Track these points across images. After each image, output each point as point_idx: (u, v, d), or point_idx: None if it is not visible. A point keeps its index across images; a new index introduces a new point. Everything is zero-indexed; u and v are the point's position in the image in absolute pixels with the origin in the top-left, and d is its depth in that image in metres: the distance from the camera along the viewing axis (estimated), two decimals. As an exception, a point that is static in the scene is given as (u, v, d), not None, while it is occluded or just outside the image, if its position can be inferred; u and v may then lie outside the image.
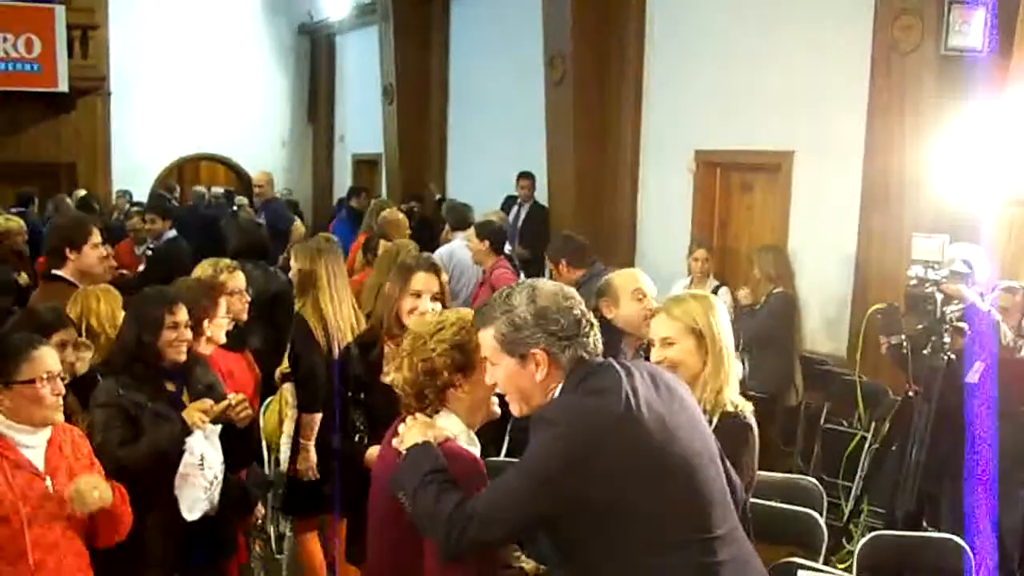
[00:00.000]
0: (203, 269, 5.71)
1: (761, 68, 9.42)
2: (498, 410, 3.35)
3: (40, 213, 13.72)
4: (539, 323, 2.92)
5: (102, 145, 18.62)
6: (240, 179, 20.39)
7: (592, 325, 2.99)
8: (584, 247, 7.51)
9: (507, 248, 10.78)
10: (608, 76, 11.38)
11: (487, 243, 8.23)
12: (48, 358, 3.73)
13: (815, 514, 4.82)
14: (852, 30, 8.31)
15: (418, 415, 3.18)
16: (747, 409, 3.74)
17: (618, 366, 2.93)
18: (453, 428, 3.22)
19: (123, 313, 4.95)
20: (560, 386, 2.94)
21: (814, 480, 5.41)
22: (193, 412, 4.30)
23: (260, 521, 5.39)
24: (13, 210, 12.20)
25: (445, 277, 5.12)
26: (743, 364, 7.87)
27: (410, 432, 3.10)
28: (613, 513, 2.78)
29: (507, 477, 2.85)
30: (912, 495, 5.43)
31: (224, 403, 4.42)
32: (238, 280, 5.65)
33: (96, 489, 3.62)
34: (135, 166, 19.05)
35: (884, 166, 7.92)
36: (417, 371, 3.22)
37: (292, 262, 6.37)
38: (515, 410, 3.10)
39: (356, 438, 4.56)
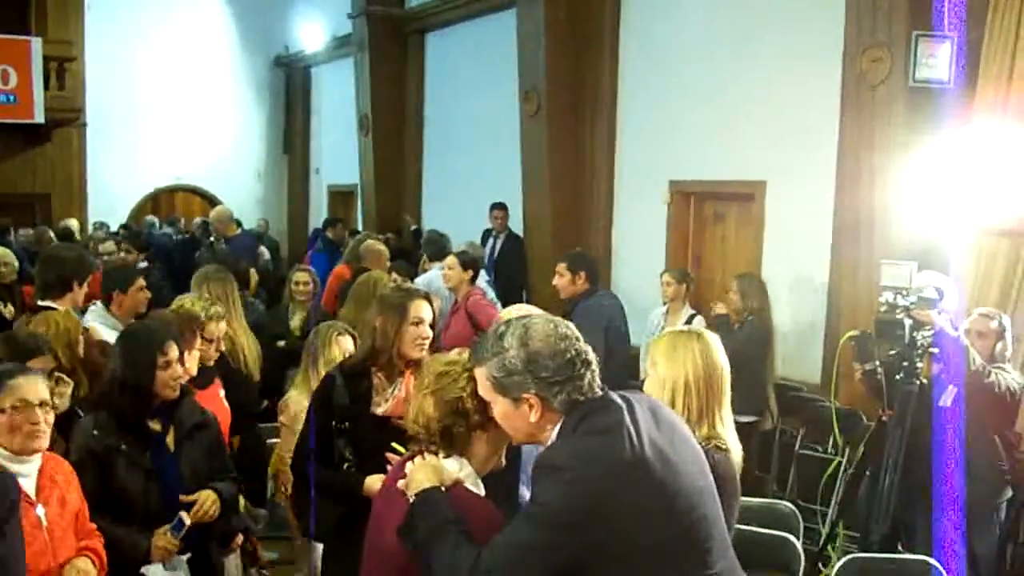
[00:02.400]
0: (191, 307, 5.72)
1: (734, 100, 9.55)
2: (504, 461, 3.28)
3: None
4: (529, 369, 2.86)
5: (78, 176, 18.66)
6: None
7: (588, 363, 2.90)
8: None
9: (483, 278, 10.88)
10: (583, 108, 11.52)
11: (471, 272, 8.33)
12: (25, 387, 3.73)
13: (792, 539, 4.89)
14: (822, 62, 8.44)
15: (427, 456, 3.11)
16: (725, 447, 3.71)
17: (619, 401, 2.89)
18: (460, 471, 3.14)
19: (79, 338, 5.04)
20: (558, 427, 2.90)
21: (791, 505, 5.49)
22: (159, 542, 4.24)
23: (253, 549, 5.40)
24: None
25: (437, 303, 5.20)
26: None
27: (418, 474, 3.03)
28: (621, 553, 2.74)
29: (518, 529, 2.79)
30: (886, 519, 5.50)
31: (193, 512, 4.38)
32: (221, 329, 5.66)
33: None
34: (111, 197, 19.12)
35: (855, 196, 8.02)
36: (447, 410, 3.13)
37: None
38: (515, 441, 3.12)
39: (344, 467, 4.56)
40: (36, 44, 17.45)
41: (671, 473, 2.81)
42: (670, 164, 10.44)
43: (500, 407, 2.96)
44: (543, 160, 11.68)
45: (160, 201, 20.77)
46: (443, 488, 2.99)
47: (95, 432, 4.31)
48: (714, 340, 3.86)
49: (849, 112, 8.13)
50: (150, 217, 17.80)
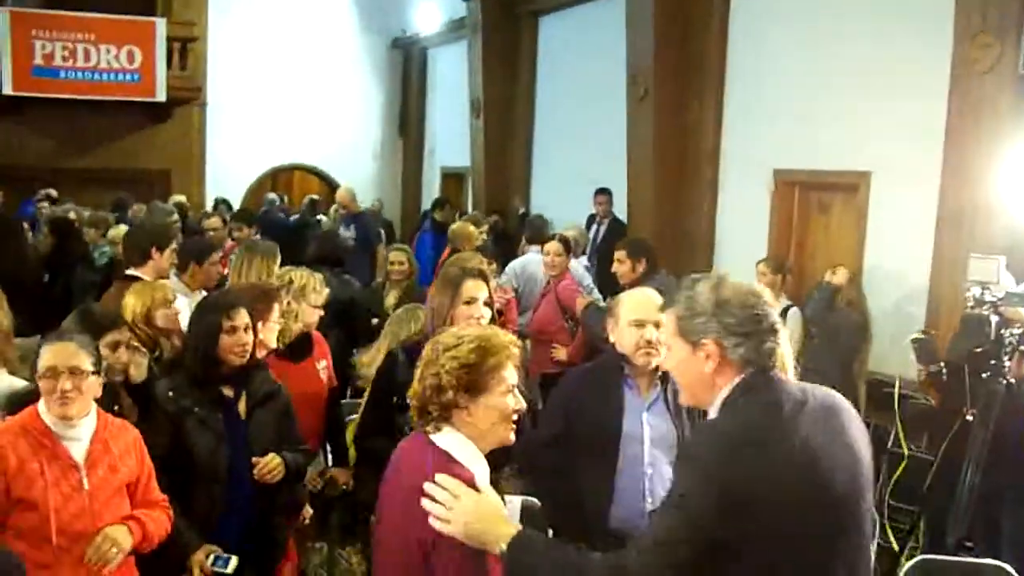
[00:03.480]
0: (282, 277, 5.85)
1: (840, 88, 9.38)
2: (512, 437, 3.23)
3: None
4: (716, 312, 2.80)
5: (197, 154, 19.14)
6: (331, 190, 20.70)
7: (775, 330, 2.82)
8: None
9: (584, 262, 10.86)
10: (689, 94, 11.39)
11: (571, 258, 8.35)
12: (56, 354, 3.81)
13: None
14: (930, 50, 8.23)
15: (459, 492, 2.93)
16: None
17: (792, 389, 2.79)
18: (456, 447, 3.12)
19: (160, 307, 5.20)
20: (726, 391, 2.81)
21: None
22: (196, 563, 4.30)
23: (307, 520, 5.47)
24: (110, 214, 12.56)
25: (494, 283, 5.19)
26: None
27: (487, 526, 2.90)
28: (764, 539, 2.63)
29: (661, 525, 2.72)
30: (965, 520, 5.34)
31: None
32: (324, 296, 5.81)
33: (114, 545, 3.76)
34: (229, 175, 19.51)
35: (959, 187, 7.82)
36: (425, 386, 3.14)
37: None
38: (683, 399, 3.07)
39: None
40: (160, 25, 18.00)
41: (817, 475, 2.68)
42: (775, 152, 10.28)
43: (676, 354, 2.92)
44: (648, 145, 11.57)
45: (278, 180, 21.11)
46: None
47: (170, 394, 4.49)
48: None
49: (956, 100, 7.91)
50: (270, 195, 18.10)
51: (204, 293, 6.86)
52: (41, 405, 3.83)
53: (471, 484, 3.00)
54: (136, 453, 4.03)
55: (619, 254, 8.04)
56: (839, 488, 2.72)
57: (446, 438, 3.13)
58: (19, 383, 4.57)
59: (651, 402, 4.51)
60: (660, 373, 4.45)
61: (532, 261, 9.22)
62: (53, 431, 3.78)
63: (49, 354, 3.80)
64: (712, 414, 2.86)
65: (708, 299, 2.82)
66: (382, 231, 14.72)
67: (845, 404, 2.93)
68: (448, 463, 3.05)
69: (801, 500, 2.65)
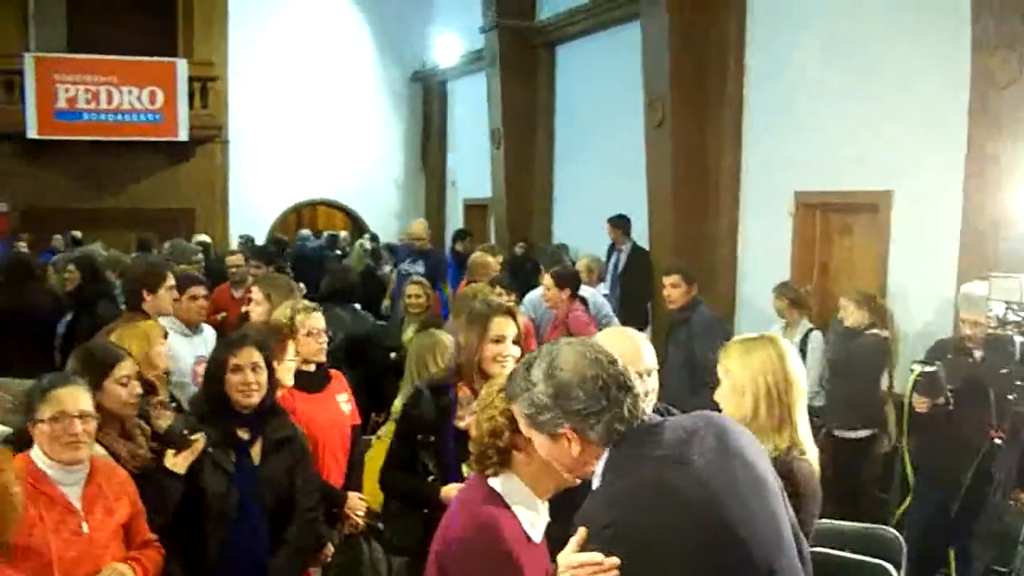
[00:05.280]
0: (282, 310, 5.79)
1: (859, 107, 9.27)
2: (575, 479, 3.09)
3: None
4: (558, 404, 2.67)
5: (220, 191, 19.28)
6: (355, 224, 20.76)
7: (627, 388, 2.69)
8: None
9: (603, 290, 10.78)
10: (707, 119, 11.30)
11: (567, 290, 8.22)
12: (65, 398, 3.79)
13: (889, 567, 4.63)
14: (949, 65, 8.11)
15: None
16: (805, 454, 3.61)
17: (674, 428, 2.69)
18: (514, 493, 3.11)
19: (159, 349, 5.16)
20: (603, 461, 2.69)
21: (893, 531, 5.22)
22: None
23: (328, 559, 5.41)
24: (135, 255, 12.61)
25: (523, 320, 5.10)
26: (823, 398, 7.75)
27: None
28: None
29: None
30: (993, 543, 5.21)
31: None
32: (315, 321, 5.65)
33: None
34: (253, 211, 19.65)
35: (982, 204, 7.67)
36: (482, 430, 3.13)
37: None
38: (566, 476, 2.96)
39: (429, 479, 4.55)
40: (182, 65, 18.26)
41: (726, 509, 2.58)
42: (795, 174, 10.17)
43: (539, 443, 2.81)
44: (667, 171, 11.48)
45: (302, 215, 21.21)
46: None
47: (184, 432, 4.44)
48: (788, 345, 3.75)
49: (976, 116, 7.78)
50: (303, 231, 18.10)
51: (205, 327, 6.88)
52: (35, 451, 3.78)
53: (516, 532, 2.99)
54: (128, 494, 3.99)
55: (673, 278, 8.03)
56: (745, 528, 2.61)
57: (502, 482, 3.11)
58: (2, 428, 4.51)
59: None
60: None
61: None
62: (49, 476, 3.73)
63: (59, 398, 3.77)
64: (595, 483, 2.72)
65: (545, 391, 2.69)
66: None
67: (732, 424, 2.84)
68: (498, 508, 3.04)
69: (703, 545, 2.55)
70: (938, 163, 8.34)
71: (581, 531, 2.58)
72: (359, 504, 5.51)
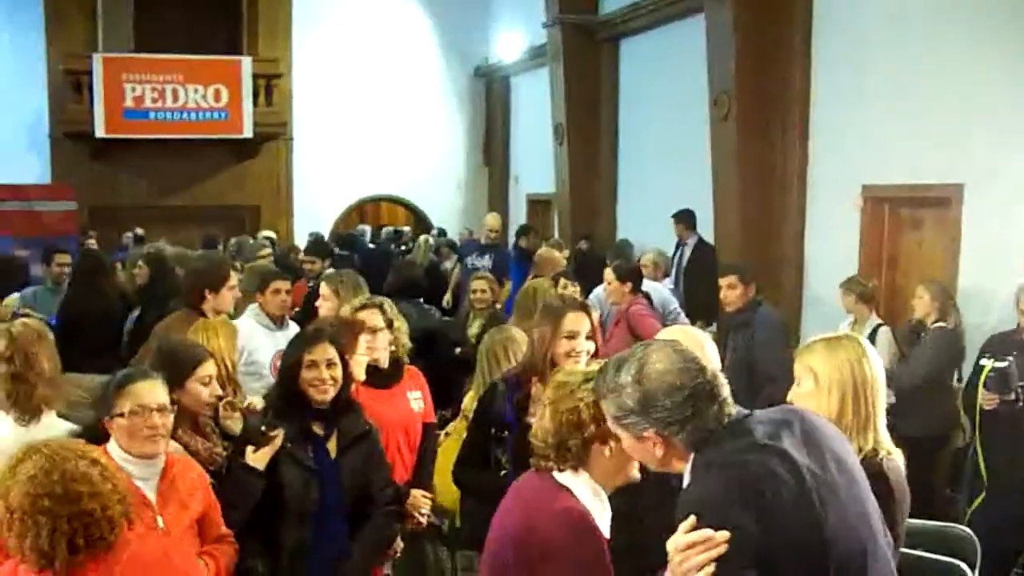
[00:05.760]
0: (348, 307, 5.84)
1: (930, 98, 9.13)
2: (638, 475, 3.18)
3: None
4: (645, 411, 2.73)
5: (284, 188, 19.47)
6: (419, 220, 20.83)
7: (713, 396, 2.74)
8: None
9: (669, 285, 10.72)
10: (774, 112, 11.19)
11: (629, 284, 8.19)
12: (143, 393, 3.84)
13: (963, 566, 4.56)
14: (1018, 52, 7.98)
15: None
16: (891, 456, 3.60)
17: (761, 428, 2.73)
18: (583, 488, 3.10)
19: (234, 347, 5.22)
20: (689, 463, 2.76)
21: (967, 530, 5.14)
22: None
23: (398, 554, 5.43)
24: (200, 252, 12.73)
25: (596, 315, 5.09)
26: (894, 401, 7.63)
27: None
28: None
29: None
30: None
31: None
32: (375, 318, 5.69)
33: None
34: (317, 208, 19.74)
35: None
36: (561, 421, 3.09)
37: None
38: (633, 476, 3.10)
39: (501, 475, 4.56)
40: (246, 63, 18.41)
41: (820, 495, 2.64)
42: (864, 168, 10.04)
43: (625, 441, 2.87)
44: (733, 166, 11.39)
45: (365, 211, 21.30)
46: None
47: (263, 428, 4.48)
48: (867, 344, 3.73)
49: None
50: (361, 227, 18.21)
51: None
52: (111, 445, 3.83)
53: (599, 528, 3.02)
54: (202, 489, 4.03)
55: (730, 279, 7.93)
56: (839, 512, 2.67)
57: (570, 477, 3.10)
58: (67, 425, 4.58)
59: None
60: None
61: (609, 288, 9.12)
62: (125, 470, 3.77)
63: (137, 392, 3.82)
64: (685, 481, 2.78)
65: (633, 397, 2.75)
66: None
67: (817, 417, 2.90)
68: (579, 504, 3.05)
69: (804, 527, 2.60)
70: (1010, 157, 8.20)
71: (691, 519, 2.59)
72: (423, 502, 5.50)
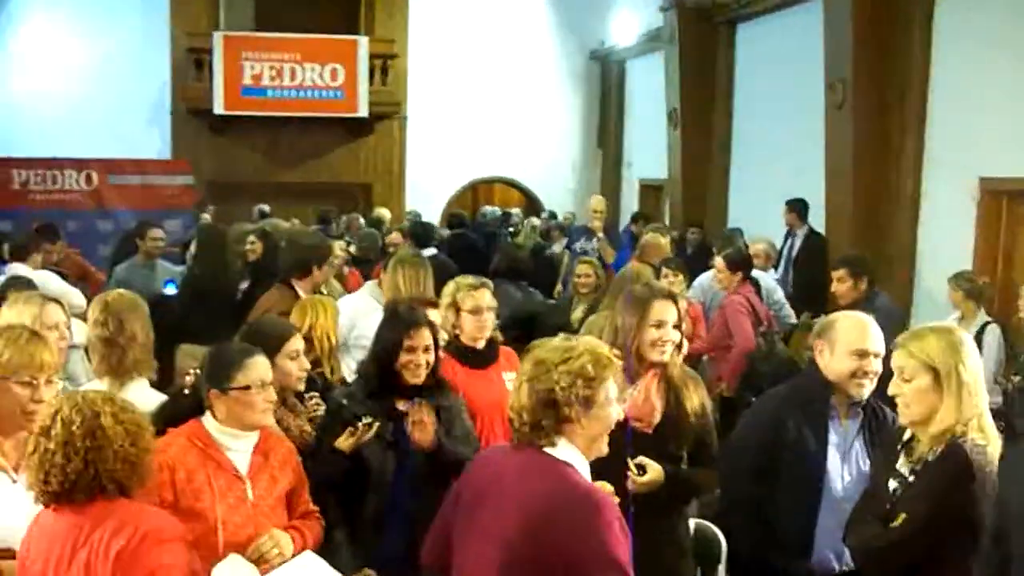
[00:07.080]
0: (449, 288, 5.87)
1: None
2: (606, 448, 3.25)
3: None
4: None
5: (397, 168, 19.68)
6: (531, 202, 20.84)
7: None
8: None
9: (775, 275, 10.57)
10: (890, 101, 10.93)
11: (740, 273, 8.09)
12: (261, 367, 3.95)
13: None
14: None
15: None
16: (989, 445, 3.58)
17: None
18: (575, 460, 3.14)
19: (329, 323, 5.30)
20: None
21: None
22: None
23: None
24: (315, 227, 12.95)
25: (683, 304, 5.02)
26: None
27: None
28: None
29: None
30: None
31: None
32: (476, 299, 5.68)
33: (276, 546, 3.81)
34: (429, 188, 19.89)
35: None
36: (535, 400, 3.11)
37: None
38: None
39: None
40: (363, 43, 18.63)
41: None
42: (981, 159, 9.77)
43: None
44: (847, 155, 11.16)
45: (478, 193, 21.36)
46: None
47: (344, 402, 4.61)
48: (962, 339, 3.75)
49: None
50: (487, 208, 18.03)
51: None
52: (207, 417, 3.92)
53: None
54: (292, 464, 4.10)
55: (840, 272, 7.74)
56: None
57: (565, 451, 3.13)
58: (154, 393, 4.72)
59: (853, 435, 4.30)
60: (863, 404, 4.29)
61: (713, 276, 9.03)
62: (220, 442, 3.87)
63: (256, 368, 3.93)
64: None
65: None
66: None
67: None
68: (582, 477, 3.10)
69: None
70: None
71: None
72: None
